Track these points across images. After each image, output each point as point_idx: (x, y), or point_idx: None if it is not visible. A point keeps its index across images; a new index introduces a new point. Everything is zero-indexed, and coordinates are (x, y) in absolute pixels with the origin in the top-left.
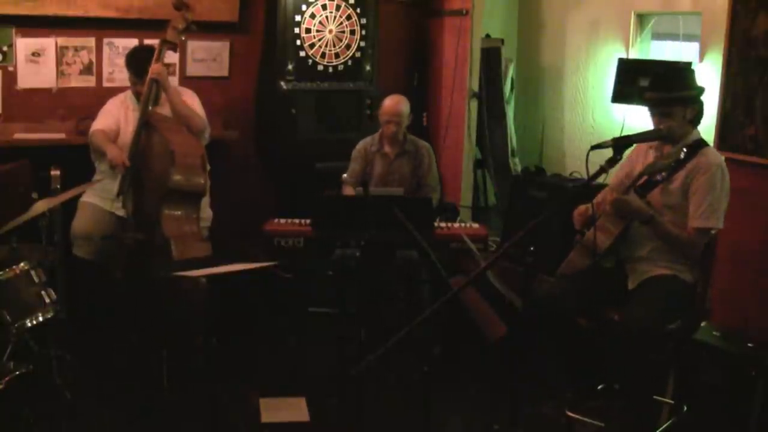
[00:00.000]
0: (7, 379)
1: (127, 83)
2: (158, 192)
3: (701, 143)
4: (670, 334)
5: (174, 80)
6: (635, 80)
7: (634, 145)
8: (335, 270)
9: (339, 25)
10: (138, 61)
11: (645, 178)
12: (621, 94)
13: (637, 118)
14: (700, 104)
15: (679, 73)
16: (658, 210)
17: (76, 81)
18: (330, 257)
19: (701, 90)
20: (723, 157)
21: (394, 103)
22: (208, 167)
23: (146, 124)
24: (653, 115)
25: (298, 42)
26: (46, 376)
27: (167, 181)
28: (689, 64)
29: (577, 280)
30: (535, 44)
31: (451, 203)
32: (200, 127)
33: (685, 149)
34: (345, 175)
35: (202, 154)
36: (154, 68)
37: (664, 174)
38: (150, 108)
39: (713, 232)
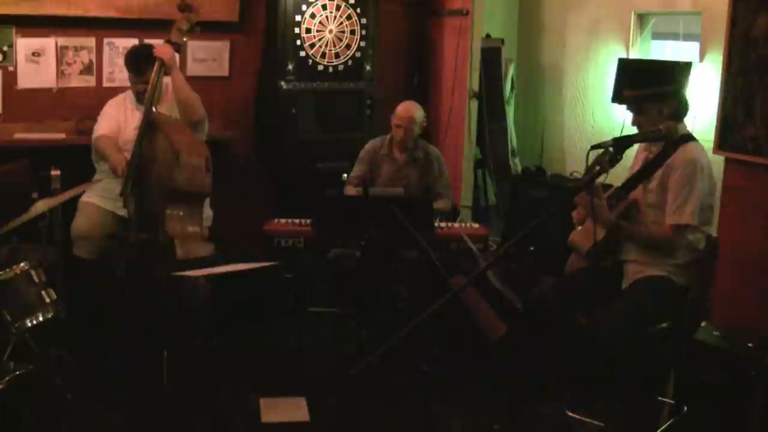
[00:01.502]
0: (7, 379)
1: (128, 83)
2: (162, 193)
3: (685, 138)
4: (651, 336)
5: None
6: None
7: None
8: (331, 269)
9: (339, 25)
10: (138, 60)
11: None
12: (621, 94)
13: None
14: (679, 98)
15: (651, 71)
16: (643, 211)
17: (76, 81)
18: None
19: (677, 84)
20: (702, 150)
21: (406, 109)
22: None
23: (150, 125)
24: (631, 113)
25: (298, 42)
26: (46, 376)
27: (172, 182)
28: (689, 63)
29: (577, 280)
30: (535, 44)
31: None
32: (201, 115)
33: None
34: (345, 174)
35: (207, 156)
36: (160, 47)
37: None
38: (154, 109)
39: (709, 231)
